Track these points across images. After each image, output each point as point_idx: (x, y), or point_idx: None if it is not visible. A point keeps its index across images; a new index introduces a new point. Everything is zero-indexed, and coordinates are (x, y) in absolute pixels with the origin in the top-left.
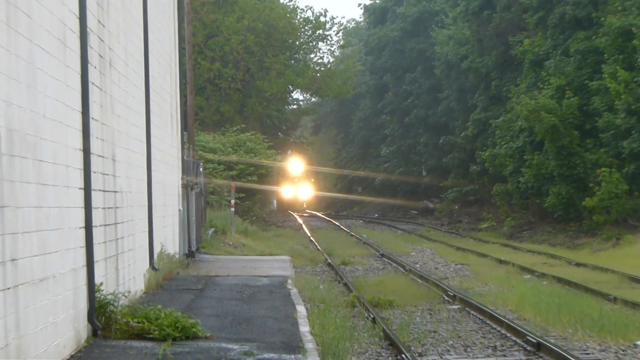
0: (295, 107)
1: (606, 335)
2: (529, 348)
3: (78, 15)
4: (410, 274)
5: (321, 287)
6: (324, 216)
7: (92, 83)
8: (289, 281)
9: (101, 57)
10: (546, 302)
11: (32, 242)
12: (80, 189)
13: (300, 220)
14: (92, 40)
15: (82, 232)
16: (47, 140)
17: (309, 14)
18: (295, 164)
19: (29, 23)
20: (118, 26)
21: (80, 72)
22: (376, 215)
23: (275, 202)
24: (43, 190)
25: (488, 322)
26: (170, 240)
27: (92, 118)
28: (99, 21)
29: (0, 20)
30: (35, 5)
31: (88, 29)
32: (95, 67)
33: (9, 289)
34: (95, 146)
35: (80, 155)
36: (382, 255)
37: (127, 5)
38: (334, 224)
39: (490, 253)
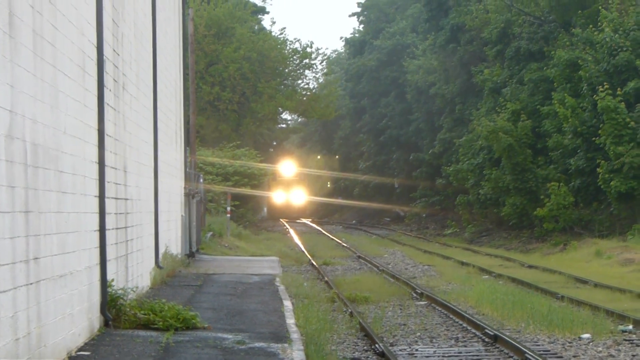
0: (284, 126)
1: (554, 329)
2: (486, 340)
3: (96, 45)
4: (383, 274)
5: (305, 284)
6: (308, 222)
7: (107, 104)
8: (277, 279)
9: (115, 81)
10: (502, 300)
11: (53, 243)
12: (95, 196)
13: (287, 226)
14: (108, 67)
15: (97, 234)
16: (67, 153)
17: (297, 45)
18: (287, 165)
19: (53, 51)
20: (131, 55)
21: (97, 94)
22: (354, 221)
23: (265, 209)
24: (63, 197)
25: (451, 316)
26: (173, 242)
27: (107, 134)
28: (114, 50)
29: (27, 48)
30: (59, 35)
31: (105, 57)
32: (110, 90)
33: (31, 284)
34: (109, 159)
35: (96, 167)
36: (359, 257)
37: (138, 37)
38: (317, 229)
39: (454, 256)
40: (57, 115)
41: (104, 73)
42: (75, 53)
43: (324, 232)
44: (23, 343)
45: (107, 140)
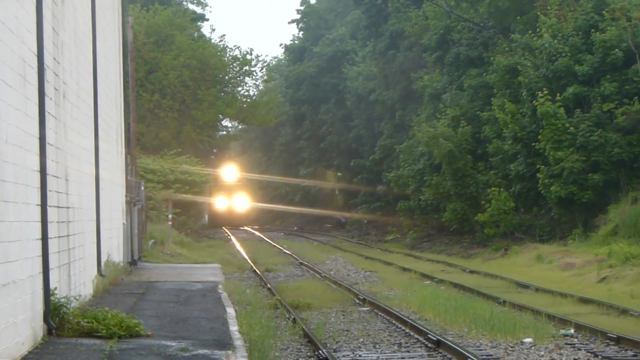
0: (224, 133)
1: (497, 333)
2: (429, 345)
3: (36, 54)
4: (325, 280)
5: (248, 291)
6: (250, 229)
7: (49, 113)
8: (220, 286)
9: (56, 90)
10: (444, 305)
11: None
12: (37, 205)
13: (229, 233)
14: (49, 75)
15: (39, 243)
16: (9, 162)
17: (237, 52)
18: (229, 170)
19: None
20: (71, 63)
21: (38, 103)
22: (295, 228)
23: (206, 216)
24: (5, 206)
25: (394, 322)
26: (115, 250)
27: (48, 143)
28: (54, 58)
29: None
30: None
31: (45, 66)
32: (51, 99)
33: None
34: (50, 167)
35: (37, 176)
36: (301, 263)
37: (79, 45)
38: (259, 236)
39: (395, 262)
40: None
41: (45, 81)
42: (15, 61)
43: (265, 239)
44: None
45: (48, 148)
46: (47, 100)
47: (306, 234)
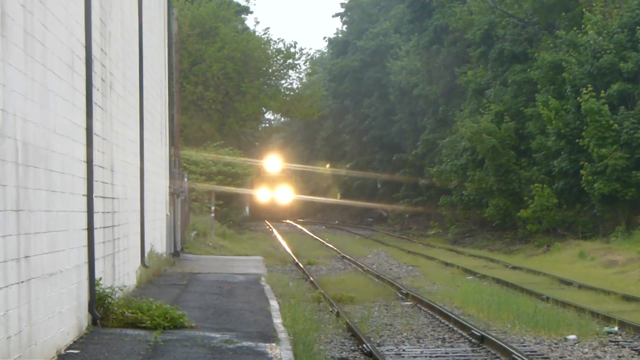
0: (267, 125)
1: (540, 330)
2: (473, 340)
3: (84, 44)
4: (368, 274)
5: (290, 284)
6: (291, 222)
7: (95, 103)
8: (262, 278)
9: (103, 80)
10: (487, 300)
11: (43, 241)
12: (84, 195)
13: (270, 226)
14: (96, 66)
15: (85, 233)
16: (57, 152)
17: (280, 45)
18: (272, 161)
19: (43, 50)
20: (118, 54)
21: (85, 93)
22: (336, 221)
23: (247, 208)
24: (52, 196)
25: (437, 317)
26: (158, 241)
27: (95, 134)
28: (101, 49)
29: (18, 48)
30: (49, 35)
31: (93, 56)
32: (98, 90)
33: (22, 282)
34: (97, 158)
35: (84, 166)
36: (343, 257)
37: (125, 36)
38: (300, 229)
39: (437, 256)
40: (46, 114)
41: (92, 72)
42: (64, 52)
43: (307, 231)
44: (14, 341)
45: (95, 139)
46: (94, 90)
47: (347, 227)
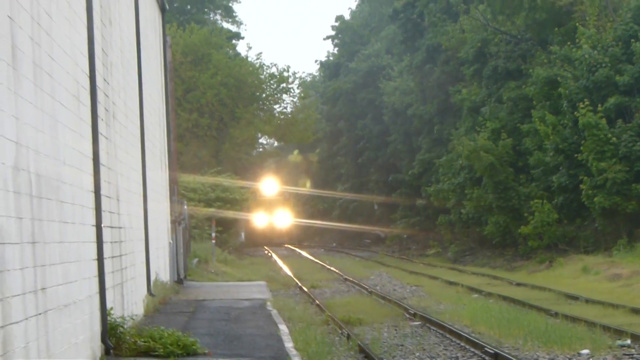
0: (261, 150)
1: (553, 345)
2: (487, 358)
3: (88, 75)
4: (372, 295)
5: (297, 308)
6: (289, 246)
7: (100, 133)
8: (268, 303)
9: (106, 110)
10: (497, 318)
11: (57, 272)
12: (93, 225)
13: (269, 250)
14: (100, 96)
15: (95, 263)
16: (67, 183)
17: (273, 69)
18: (268, 183)
19: (51, 82)
20: (119, 83)
21: (90, 123)
22: (334, 244)
23: (242, 234)
24: (65, 227)
25: (448, 336)
26: (162, 269)
27: (101, 164)
28: (104, 79)
29: (29, 80)
30: (56, 66)
31: (97, 86)
32: (102, 120)
33: (40, 314)
34: (103, 188)
35: (92, 196)
36: (346, 279)
37: (125, 65)
38: (298, 252)
39: (440, 275)
40: (56, 146)
41: (97, 102)
42: (70, 83)
43: (306, 255)
44: None
45: (101, 169)
46: (99, 120)
47: (346, 249)
